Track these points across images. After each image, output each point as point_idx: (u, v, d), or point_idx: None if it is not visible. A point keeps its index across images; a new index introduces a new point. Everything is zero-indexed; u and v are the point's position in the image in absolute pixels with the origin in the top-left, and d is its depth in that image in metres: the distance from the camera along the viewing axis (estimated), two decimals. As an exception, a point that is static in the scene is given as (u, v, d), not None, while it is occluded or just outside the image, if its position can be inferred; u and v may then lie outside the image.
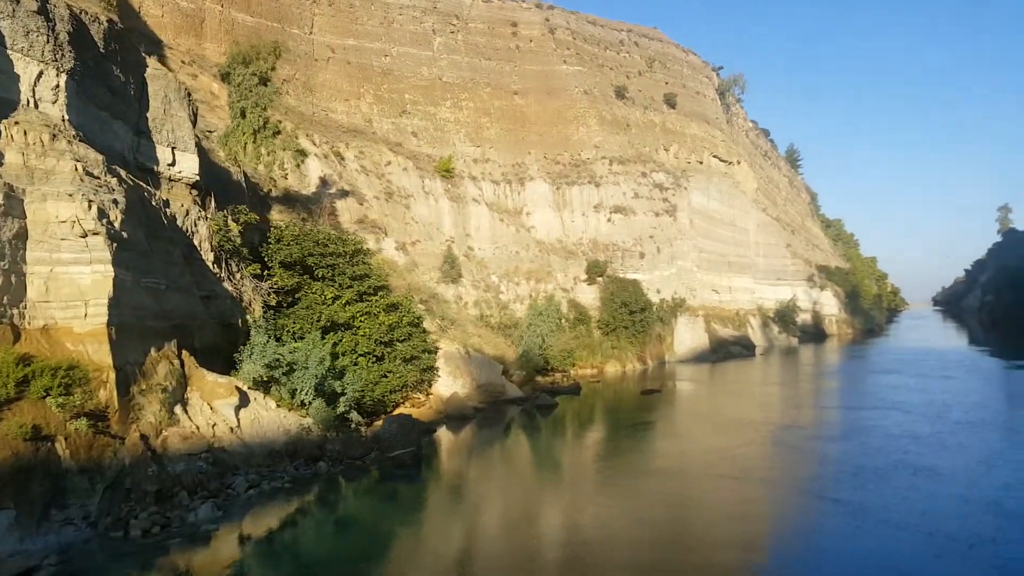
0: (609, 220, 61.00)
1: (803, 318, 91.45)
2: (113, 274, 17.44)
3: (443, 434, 27.57)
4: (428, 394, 33.60)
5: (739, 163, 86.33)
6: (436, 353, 34.20)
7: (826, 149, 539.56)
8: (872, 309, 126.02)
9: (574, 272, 57.53)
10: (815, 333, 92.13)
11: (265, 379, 22.09)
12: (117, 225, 17.93)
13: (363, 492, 19.84)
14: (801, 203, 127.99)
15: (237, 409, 20.27)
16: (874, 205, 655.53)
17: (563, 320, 53.39)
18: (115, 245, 17.72)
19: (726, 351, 65.01)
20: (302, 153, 39.12)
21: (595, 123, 65.71)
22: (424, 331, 33.94)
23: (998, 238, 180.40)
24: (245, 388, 21.37)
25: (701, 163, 76.90)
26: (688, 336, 62.23)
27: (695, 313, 64.41)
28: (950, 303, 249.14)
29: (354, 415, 24.03)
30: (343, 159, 47.56)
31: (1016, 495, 16.23)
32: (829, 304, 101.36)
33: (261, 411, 21.25)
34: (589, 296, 56.73)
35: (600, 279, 57.34)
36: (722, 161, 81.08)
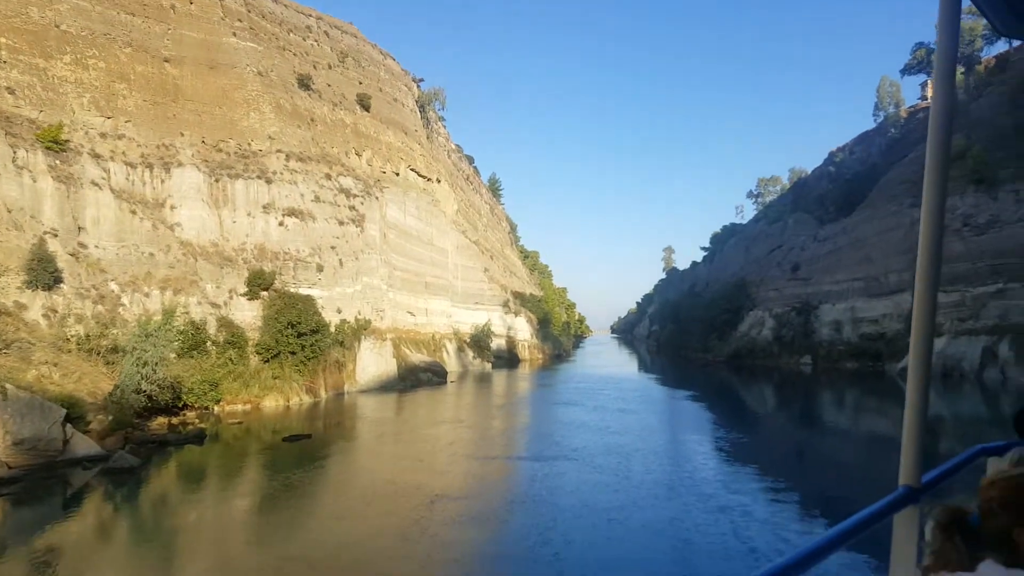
0: (282, 224, 51.17)
1: (498, 343, 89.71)
2: None
3: None
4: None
5: (439, 181, 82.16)
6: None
7: (528, 185, 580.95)
8: (561, 335, 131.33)
9: (231, 283, 46.68)
10: (509, 358, 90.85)
11: None
12: None
13: None
14: (501, 231, 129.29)
15: None
16: (566, 240, 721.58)
17: (209, 343, 42.49)
18: None
19: (416, 378, 58.75)
20: None
21: (270, 111, 55.67)
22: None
23: (663, 275, 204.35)
24: None
25: (398, 174, 70.71)
26: (373, 362, 54.57)
27: (383, 336, 57.10)
28: (625, 331, 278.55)
29: None
30: None
31: None
32: (523, 330, 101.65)
33: None
34: (249, 314, 46.31)
35: (265, 293, 47.27)
36: (421, 176, 75.91)
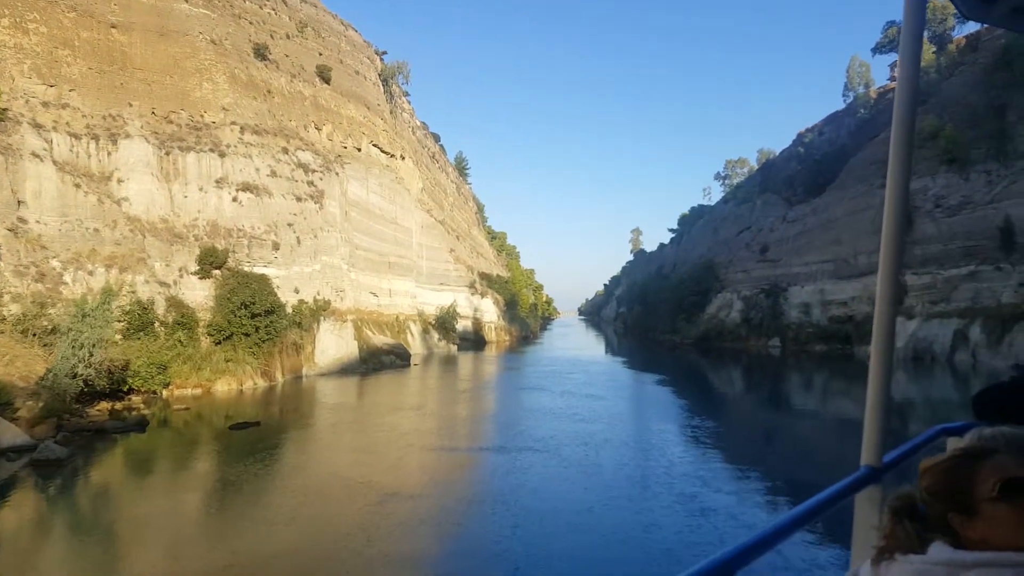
0: (235, 199, 48.65)
1: (464, 325, 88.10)
2: None
3: None
4: None
5: (403, 158, 79.77)
6: None
7: (496, 165, 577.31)
8: (528, 317, 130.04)
9: (181, 261, 44.24)
10: (475, 340, 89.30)
11: None
12: None
13: None
14: (468, 211, 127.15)
15: None
16: (535, 222, 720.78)
17: (157, 323, 40.17)
18: None
19: (378, 361, 56.91)
20: None
21: (225, 81, 52.85)
22: None
23: (631, 257, 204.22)
24: None
25: (360, 150, 68.20)
26: (333, 345, 52.57)
27: (343, 318, 55.04)
28: (592, 313, 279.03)
29: None
30: None
31: None
32: (489, 311, 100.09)
33: None
34: (200, 293, 43.97)
35: (217, 272, 44.93)
36: (384, 152, 73.46)
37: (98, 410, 32.32)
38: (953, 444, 2.03)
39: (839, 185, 74.63)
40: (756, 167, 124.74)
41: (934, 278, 56.90)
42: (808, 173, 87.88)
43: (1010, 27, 2.97)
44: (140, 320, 39.03)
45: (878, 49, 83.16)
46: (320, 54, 65.97)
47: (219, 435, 26.51)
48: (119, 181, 45.02)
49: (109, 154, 45.47)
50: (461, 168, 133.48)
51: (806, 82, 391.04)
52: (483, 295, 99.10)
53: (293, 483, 18.52)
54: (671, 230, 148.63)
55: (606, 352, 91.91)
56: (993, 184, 54.64)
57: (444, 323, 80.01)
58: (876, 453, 2.34)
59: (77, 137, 44.62)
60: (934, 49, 70.58)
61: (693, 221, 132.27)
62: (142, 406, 34.73)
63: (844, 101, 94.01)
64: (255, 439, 24.62)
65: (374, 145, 70.79)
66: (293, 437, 25.78)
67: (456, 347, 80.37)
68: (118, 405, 34.50)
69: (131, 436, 26.75)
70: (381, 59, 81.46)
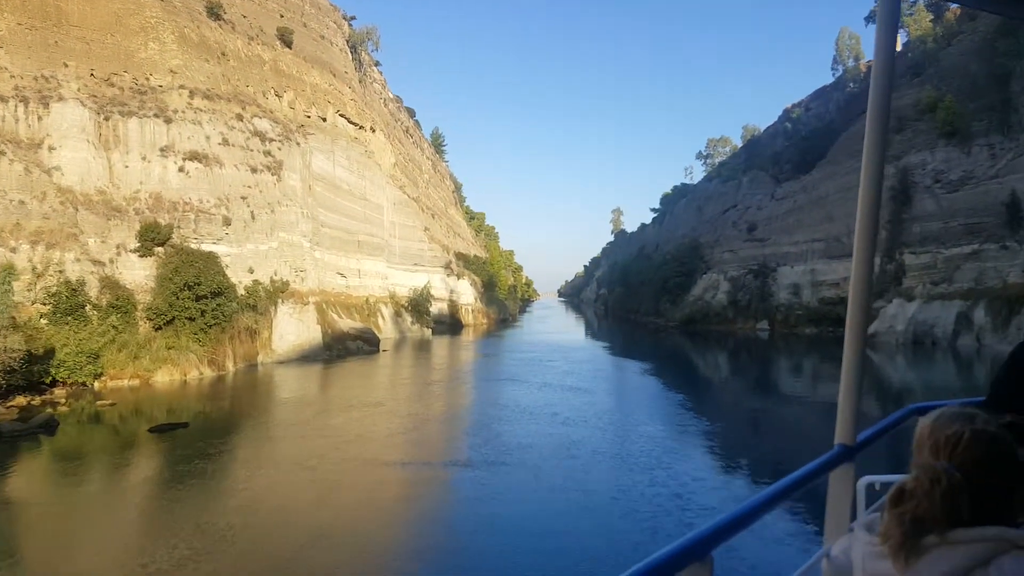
0: (182, 170, 44.24)
1: (439, 307, 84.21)
2: None
3: None
4: None
5: (374, 130, 75.29)
6: None
7: (475, 145, 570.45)
8: (507, 299, 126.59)
9: (119, 237, 39.94)
10: (451, 323, 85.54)
11: None
12: None
13: None
14: (445, 189, 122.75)
15: None
16: (514, 202, 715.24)
17: (89, 307, 35.94)
18: None
19: (344, 347, 53.07)
20: None
21: (173, 41, 48.20)
22: None
23: (611, 237, 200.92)
24: None
25: (325, 120, 63.79)
26: (293, 329, 48.58)
27: (304, 300, 50.96)
28: (572, 294, 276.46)
29: None
30: None
31: None
32: (466, 293, 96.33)
33: None
34: (140, 273, 39.76)
35: (160, 249, 40.68)
36: (352, 123, 68.98)
37: (9, 407, 28.33)
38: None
39: (830, 161, 71.50)
40: (739, 145, 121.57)
41: (934, 257, 53.87)
42: (796, 150, 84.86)
43: (993, 11, 3.07)
44: (68, 303, 34.86)
45: (871, 18, 79.70)
46: (281, 16, 61.30)
47: (134, 440, 22.46)
48: (50, 148, 40.62)
49: (40, 119, 41.10)
50: (437, 145, 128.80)
51: (793, 56, 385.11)
52: (460, 276, 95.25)
53: (197, 518, 14.20)
54: (653, 210, 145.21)
55: (587, 336, 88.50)
56: (997, 158, 51.53)
57: (417, 306, 76.08)
58: (850, 432, 2.34)
59: (3, 100, 40.56)
60: (931, 18, 67.38)
61: (676, 200, 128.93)
62: (63, 401, 30.75)
63: (833, 75, 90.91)
64: (174, 446, 20.65)
65: (341, 115, 66.36)
66: (221, 445, 21.66)
67: (430, 331, 76.57)
68: (36, 400, 30.56)
69: (33, 441, 22.69)
70: (349, 24, 76.59)
